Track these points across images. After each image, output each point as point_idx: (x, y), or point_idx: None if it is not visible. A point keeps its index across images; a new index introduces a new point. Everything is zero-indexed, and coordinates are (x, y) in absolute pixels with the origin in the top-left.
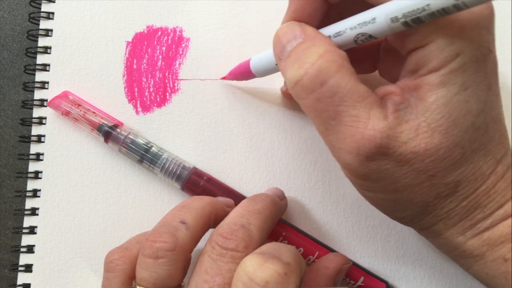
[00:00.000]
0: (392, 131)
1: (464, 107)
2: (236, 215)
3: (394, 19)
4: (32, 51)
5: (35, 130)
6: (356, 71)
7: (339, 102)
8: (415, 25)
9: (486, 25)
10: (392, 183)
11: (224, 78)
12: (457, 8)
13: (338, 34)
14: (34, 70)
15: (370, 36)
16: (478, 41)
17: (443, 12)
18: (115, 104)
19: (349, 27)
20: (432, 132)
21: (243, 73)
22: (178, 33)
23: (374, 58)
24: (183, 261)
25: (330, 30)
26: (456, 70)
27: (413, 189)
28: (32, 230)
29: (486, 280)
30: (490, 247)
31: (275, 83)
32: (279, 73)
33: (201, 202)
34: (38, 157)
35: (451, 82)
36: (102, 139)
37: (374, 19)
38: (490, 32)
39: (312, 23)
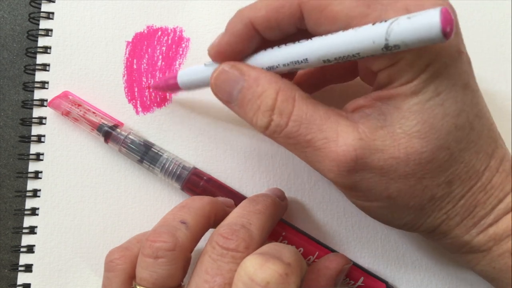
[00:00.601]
0: (365, 141)
1: (440, 111)
2: (236, 215)
3: (326, 61)
4: (32, 51)
5: (35, 130)
6: (338, 80)
7: (306, 132)
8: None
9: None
10: (383, 190)
11: (148, 87)
12: (388, 49)
13: (271, 68)
14: (34, 70)
15: (303, 68)
16: (446, 48)
17: (373, 55)
18: (115, 104)
19: (281, 63)
20: (410, 138)
21: (170, 86)
22: (178, 33)
23: (354, 65)
24: (183, 261)
25: (263, 61)
26: (427, 80)
27: (406, 193)
28: (32, 230)
29: (493, 274)
30: (496, 242)
31: None
32: None
33: (201, 202)
34: (38, 157)
35: (423, 91)
36: (102, 139)
37: (306, 59)
38: (457, 35)
39: (247, 52)
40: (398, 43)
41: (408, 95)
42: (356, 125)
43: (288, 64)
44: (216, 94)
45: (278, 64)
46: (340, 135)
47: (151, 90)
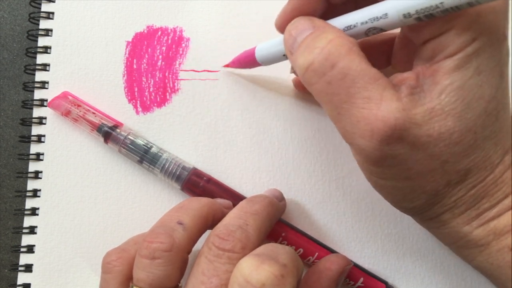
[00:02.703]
0: (407, 113)
1: (478, 91)
2: (233, 216)
3: (407, 15)
4: (32, 51)
5: (35, 130)
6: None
7: (350, 84)
8: (427, 20)
9: (502, 10)
10: (405, 170)
11: (227, 65)
12: (470, 5)
13: (348, 27)
14: (34, 70)
15: (382, 29)
16: (494, 26)
17: (456, 9)
18: (115, 104)
19: (360, 21)
20: (446, 115)
21: (247, 61)
22: (178, 33)
23: (387, 52)
24: (180, 261)
25: (340, 22)
26: (471, 55)
27: (426, 176)
28: (32, 230)
29: (491, 271)
30: (496, 236)
31: (275, 83)
32: (283, 68)
33: (199, 203)
34: (38, 157)
35: (466, 66)
36: (102, 139)
37: (386, 14)
38: (506, 19)
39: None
40: None
41: (451, 69)
42: (400, 96)
43: (366, 22)
44: (285, 42)
45: (356, 23)
46: (384, 100)
47: (228, 67)
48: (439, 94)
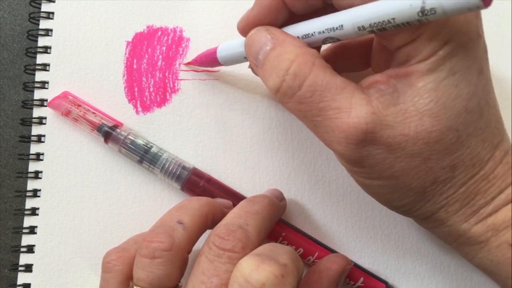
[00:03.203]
0: (377, 115)
1: (454, 91)
2: (233, 216)
3: (361, 28)
4: (32, 51)
5: (35, 130)
6: (350, 69)
7: (319, 99)
8: (380, 32)
9: None
10: (388, 168)
11: (188, 63)
12: (420, 22)
13: (306, 36)
14: (34, 70)
15: (338, 39)
16: (465, 27)
17: (407, 24)
18: (115, 104)
19: (317, 30)
20: (421, 116)
21: (209, 59)
22: (178, 33)
23: (366, 55)
24: (180, 261)
25: (298, 30)
26: (444, 58)
27: (409, 173)
28: (32, 230)
29: (491, 268)
30: (495, 232)
31: None
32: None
33: (199, 203)
34: (38, 157)
35: (439, 69)
36: (102, 139)
37: (341, 26)
38: (477, 17)
39: (275, 25)
40: (435, 6)
41: (424, 73)
42: (370, 99)
43: (323, 32)
44: (248, 56)
45: (314, 32)
46: (354, 107)
47: (189, 65)
48: (413, 96)
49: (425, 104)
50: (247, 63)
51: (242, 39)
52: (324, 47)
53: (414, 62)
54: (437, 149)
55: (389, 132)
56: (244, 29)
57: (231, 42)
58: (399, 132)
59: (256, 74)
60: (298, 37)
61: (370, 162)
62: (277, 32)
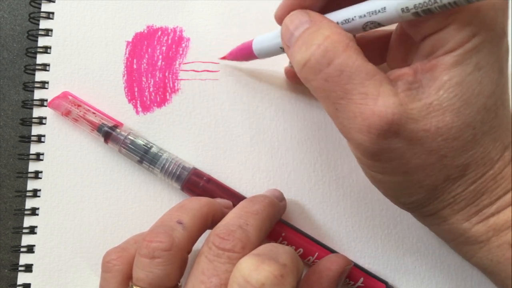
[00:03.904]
0: (404, 108)
1: (477, 87)
2: (233, 216)
3: (405, 10)
4: (32, 51)
5: (35, 130)
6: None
7: (347, 81)
8: (425, 15)
9: (502, 6)
10: (403, 164)
11: (224, 58)
12: (469, 1)
13: (346, 21)
14: (34, 70)
15: (379, 24)
16: (494, 22)
17: (454, 4)
18: (115, 104)
19: (358, 14)
20: (444, 111)
21: (244, 53)
22: (178, 33)
23: (382, 49)
24: (180, 261)
25: (338, 16)
26: (471, 50)
27: (424, 170)
28: (32, 230)
29: (491, 267)
30: (496, 232)
31: (275, 83)
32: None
33: (199, 203)
34: (38, 157)
35: (465, 62)
36: (102, 139)
37: (384, 8)
38: (505, 15)
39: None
40: None
41: (451, 65)
42: (397, 92)
43: (364, 16)
44: (282, 37)
45: (354, 16)
46: (381, 95)
47: (224, 59)
48: (438, 90)
49: (449, 98)
50: (285, 58)
51: (277, 30)
52: None
53: (441, 53)
54: (454, 146)
55: (413, 126)
56: (281, 17)
57: (267, 34)
58: (422, 127)
59: (289, 78)
60: (337, 22)
61: (388, 156)
62: (315, 14)
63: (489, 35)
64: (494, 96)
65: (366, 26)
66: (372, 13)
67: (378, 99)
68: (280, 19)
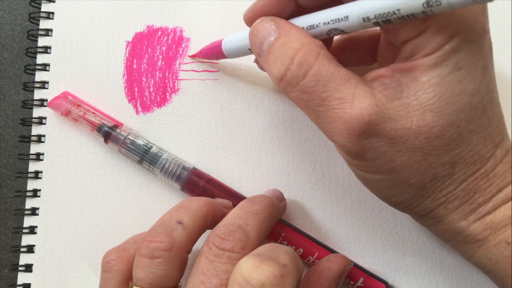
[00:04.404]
0: (380, 108)
1: (458, 86)
2: (233, 216)
3: (366, 19)
4: (32, 51)
5: (35, 130)
6: (356, 62)
7: (323, 89)
8: (384, 25)
9: (479, 6)
10: (388, 162)
11: (193, 55)
12: (425, 14)
13: (311, 27)
14: (34, 70)
15: (342, 31)
16: (472, 21)
17: (412, 16)
18: (115, 104)
19: (322, 21)
20: (424, 110)
21: (214, 52)
22: (178, 33)
23: (374, 49)
24: (180, 261)
25: (303, 21)
26: (449, 52)
27: (410, 168)
28: (32, 230)
29: (489, 266)
30: (493, 230)
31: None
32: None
33: (199, 203)
34: (38, 157)
35: (444, 63)
36: (102, 139)
37: (347, 17)
38: (484, 13)
39: (281, 17)
40: None
41: (429, 67)
42: (374, 92)
43: (328, 23)
44: (251, 46)
45: (319, 23)
46: (357, 98)
47: (193, 57)
48: (417, 90)
49: (428, 98)
50: (252, 57)
51: (247, 31)
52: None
53: (419, 56)
54: (438, 144)
55: (391, 125)
56: (251, 19)
57: (236, 35)
58: (401, 125)
59: (261, 68)
60: (303, 27)
61: (371, 155)
62: (282, 22)
63: (468, 35)
64: (479, 94)
65: (330, 33)
66: (336, 21)
67: (354, 102)
68: (248, 21)
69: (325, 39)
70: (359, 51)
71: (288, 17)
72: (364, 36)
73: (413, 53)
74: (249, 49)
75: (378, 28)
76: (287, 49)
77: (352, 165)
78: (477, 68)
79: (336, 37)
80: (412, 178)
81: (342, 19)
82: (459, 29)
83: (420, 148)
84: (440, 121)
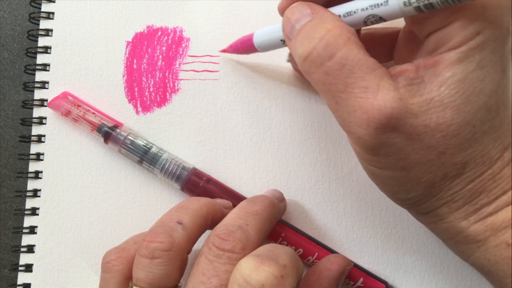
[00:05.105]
0: (403, 102)
1: (479, 85)
2: (233, 216)
3: (407, 3)
4: (32, 51)
5: (35, 130)
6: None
7: (347, 74)
8: (427, 10)
9: (507, 5)
10: (402, 159)
11: (224, 51)
12: None
13: (348, 13)
14: (34, 70)
15: (381, 18)
16: (499, 21)
17: (457, 1)
18: (115, 104)
19: (360, 7)
20: (444, 107)
21: (245, 46)
22: (178, 33)
23: (390, 47)
24: (180, 261)
25: (340, 9)
26: (475, 48)
27: (422, 166)
28: (32, 230)
29: (488, 267)
30: (493, 232)
31: (276, 81)
32: (284, 68)
33: (198, 203)
34: (38, 157)
35: (468, 59)
36: (102, 139)
37: (386, 1)
38: (510, 13)
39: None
40: None
41: (453, 62)
42: (398, 86)
43: (366, 8)
44: (283, 28)
45: (356, 9)
46: (381, 90)
47: (225, 52)
48: (439, 86)
49: (450, 95)
50: (286, 51)
51: (279, 24)
52: None
53: (444, 50)
54: (453, 143)
55: (412, 121)
56: (285, 8)
57: (268, 27)
58: (421, 122)
59: (295, 69)
60: (339, 15)
61: (386, 150)
62: (318, 7)
63: (493, 33)
64: (496, 95)
65: (368, 20)
66: (374, 6)
67: (378, 93)
68: (283, 10)
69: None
70: (376, 48)
71: (324, 5)
72: (382, 33)
73: (438, 45)
74: (281, 40)
75: (397, 24)
76: (318, 29)
77: (363, 159)
78: (497, 69)
79: None
80: (423, 177)
81: (381, 4)
82: (486, 26)
83: (435, 146)
84: (458, 119)
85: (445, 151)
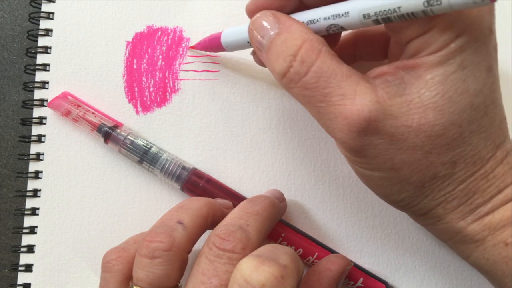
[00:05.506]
0: (381, 105)
1: (461, 86)
2: (234, 216)
3: (366, 16)
4: (32, 51)
5: (35, 130)
6: (368, 57)
7: (324, 85)
8: (384, 23)
9: (486, 6)
10: (388, 159)
11: (192, 47)
12: (425, 14)
13: (312, 21)
14: (34, 70)
15: (342, 27)
16: (478, 21)
17: (412, 15)
18: (115, 104)
19: (323, 16)
20: (425, 108)
21: (213, 45)
22: (178, 33)
23: (386, 45)
24: (180, 261)
25: (303, 16)
26: (455, 51)
27: (410, 166)
28: (32, 230)
29: (487, 267)
30: (491, 231)
31: (275, 83)
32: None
33: (199, 203)
34: (38, 157)
35: (449, 62)
36: (102, 139)
37: (347, 13)
38: (491, 14)
39: (283, 12)
40: None
41: (433, 65)
42: (376, 89)
43: (328, 18)
44: (250, 39)
45: (319, 18)
46: (358, 95)
47: (193, 49)
48: (419, 88)
49: (430, 96)
50: (250, 49)
51: (246, 24)
52: (344, 34)
53: (424, 54)
54: (439, 143)
55: (392, 122)
56: (252, 11)
57: (236, 28)
58: (402, 123)
59: (258, 62)
60: (303, 22)
61: (372, 152)
62: (283, 16)
63: (474, 34)
64: (482, 94)
65: (330, 29)
66: (336, 16)
67: (355, 98)
68: (250, 13)
69: (331, 36)
70: (371, 46)
71: (290, 13)
72: (377, 32)
73: (418, 51)
74: (248, 42)
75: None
76: (289, 46)
77: (353, 162)
78: (481, 68)
79: (348, 32)
80: (412, 177)
81: (342, 15)
82: (466, 28)
83: (420, 146)
84: (441, 120)
85: (431, 150)
